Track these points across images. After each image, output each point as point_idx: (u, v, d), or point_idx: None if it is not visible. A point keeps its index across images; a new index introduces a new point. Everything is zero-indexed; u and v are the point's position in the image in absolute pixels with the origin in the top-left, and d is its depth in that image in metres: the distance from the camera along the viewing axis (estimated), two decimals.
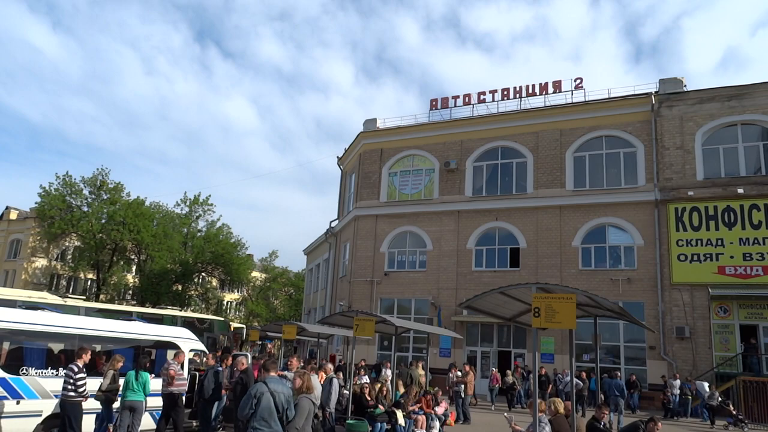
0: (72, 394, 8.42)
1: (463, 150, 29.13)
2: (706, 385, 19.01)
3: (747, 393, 19.02)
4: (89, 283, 48.47)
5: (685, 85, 25.52)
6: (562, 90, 28.10)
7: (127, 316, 18.18)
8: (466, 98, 30.04)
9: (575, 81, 27.90)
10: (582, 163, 26.47)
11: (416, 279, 28.34)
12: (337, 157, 35.95)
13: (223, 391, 10.74)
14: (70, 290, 47.64)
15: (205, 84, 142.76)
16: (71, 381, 8.42)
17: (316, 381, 9.65)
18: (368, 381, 14.68)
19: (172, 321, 21.52)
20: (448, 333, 19.81)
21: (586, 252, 25.14)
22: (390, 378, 16.50)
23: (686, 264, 22.86)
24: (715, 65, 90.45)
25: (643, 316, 22.80)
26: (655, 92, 25.44)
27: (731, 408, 17.52)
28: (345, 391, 12.47)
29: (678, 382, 20.26)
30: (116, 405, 9.52)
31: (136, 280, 47.21)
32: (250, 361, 15.03)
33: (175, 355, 11.11)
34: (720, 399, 18.66)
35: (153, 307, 34.25)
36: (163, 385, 10.16)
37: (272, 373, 6.67)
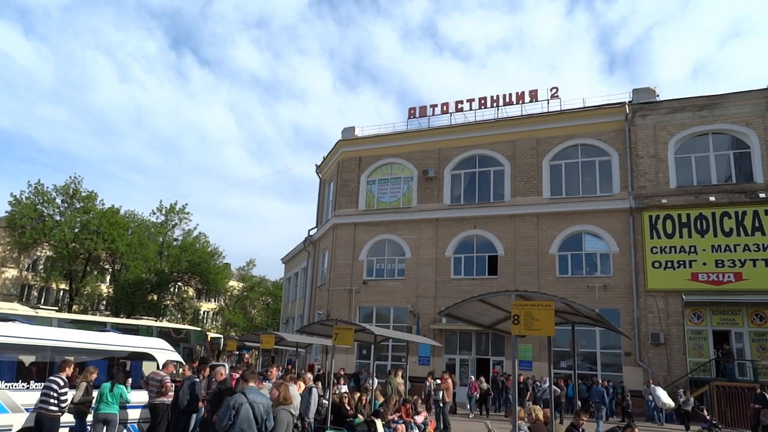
0: (53, 408, 8.25)
1: (441, 158, 29.33)
2: (659, 390, 19.48)
3: (720, 398, 19.38)
4: (61, 293, 47.43)
5: (657, 95, 26.09)
6: (539, 99, 28.50)
7: (101, 327, 17.85)
8: (444, 107, 30.29)
9: (551, 90, 28.34)
10: (558, 172, 26.85)
11: (395, 287, 28.36)
12: (316, 165, 35.91)
13: (201, 403, 10.60)
14: (42, 301, 46.57)
15: (181, 91, 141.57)
16: (54, 395, 8.24)
17: (295, 391, 9.58)
18: (347, 390, 14.61)
19: (148, 331, 21.18)
20: (427, 341, 19.81)
21: (563, 259, 25.46)
22: (375, 386, 16.45)
23: (660, 271, 23.29)
24: (686, 75, 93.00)
25: (619, 322, 23.14)
26: (629, 102, 25.96)
27: (705, 413, 17.83)
28: (324, 401, 12.39)
29: (654, 388, 20.57)
30: (90, 418, 9.33)
31: (110, 290, 46.36)
32: (227, 372, 14.84)
33: (163, 366, 10.95)
34: (694, 404, 19.01)
35: (128, 317, 33.65)
36: (151, 397, 10.04)
37: (251, 384, 6.61)
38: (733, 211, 22.78)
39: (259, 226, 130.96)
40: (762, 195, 22.40)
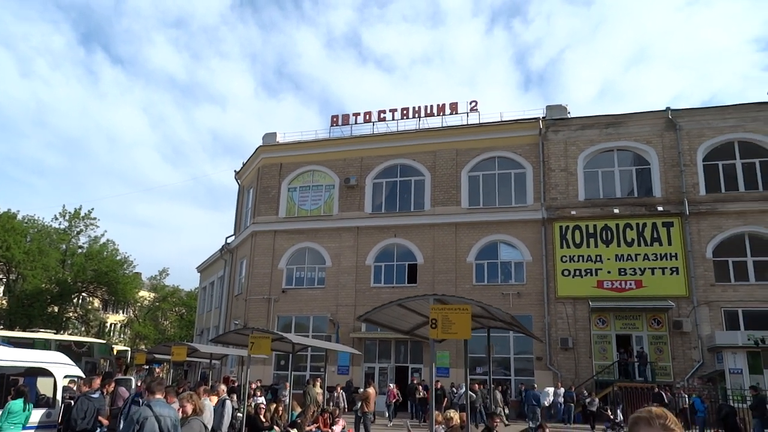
0: None
1: (363, 167, 29.50)
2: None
3: (623, 398, 20.68)
4: None
5: (569, 112, 27.63)
6: (458, 112, 29.34)
7: None
8: (367, 116, 30.53)
9: (470, 104, 29.27)
10: (476, 182, 27.75)
11: (315, 296, 28.12)
12: (235, 171, 35.03)
13: (105, 421, 9.96)
14: None
15: (90, 90, 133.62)
16: None
17: (208, 403, 9.23)
18: (264, 402, 14.27)
19: (45, 345, 19.69)
20: (346, 349, 19.79)
21: (480, 267, 26.28)
22: (290, 396, 16.16)
23: (569, 279, 24.60)
24: (594, 96, 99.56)
25: (532, 328, 24.14)
26: (543, 117, 27.30)
27: (609, 413, 18.93)
28: (239, 414, 12.03)
29: (562, 390, 21.63)
30: None
31: (4, 301, 42.76)
32: (134, 387, 14.08)
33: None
34: (599, 405, 20.15)
35: (23, 330, 31.14)
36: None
37: (158, 396, 6.30)
38: (635, 223, 24.48)
39: (173, 233, 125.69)
40: (660, 208, 24.24)
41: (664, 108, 25.81)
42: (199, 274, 42.89)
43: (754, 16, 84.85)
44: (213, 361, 23.21)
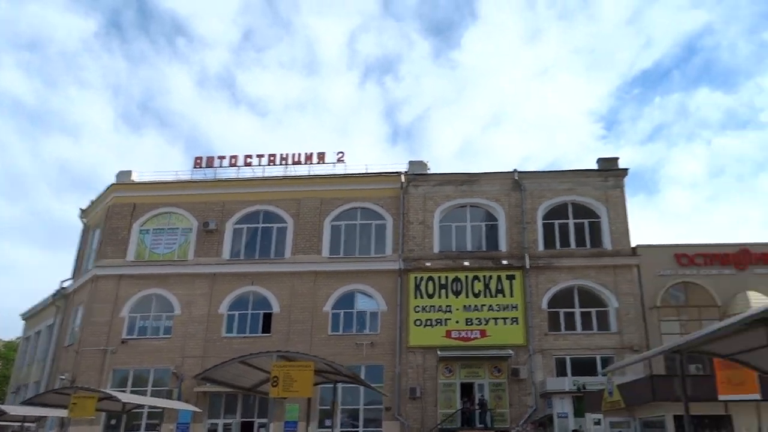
0: None
1: (224, 211, 28.72)
2: None
3: None
4: None
5: (428, 168, 29.10)
6: (326, 161, 29.76)
7: None
8: (233, 159, 30.01)
9: (338, 154, 29.83)
10: (338, 232, 28.01)
11: (159, 347, 26.24)
12: (81, 209, 32.45)
13: None
14: None
15: None
16: None
17: None
18: None
19: None
20: (185, 407, 18.47)
21: (336, 317, 26.17)
22: None
23: (421, 328, 25.20)
24: (456, 152, 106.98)
25: (383, 378, 24.25)
26: (405, 172, 28.49)
27: None
28: None
29: None
30: None
31: None
32: None
33: None
34: None
35: None
36: None
37: None
38: (482, 275, 25.87)
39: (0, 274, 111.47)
40: (504, 262, 25.89)
41: (512, 169, 28.00)
42: (24, 321, 38.17)
43: (591, 91, 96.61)
44: (26, 424, 20.55)
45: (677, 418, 14.37)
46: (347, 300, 26.56)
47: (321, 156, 29.92)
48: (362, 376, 24.40)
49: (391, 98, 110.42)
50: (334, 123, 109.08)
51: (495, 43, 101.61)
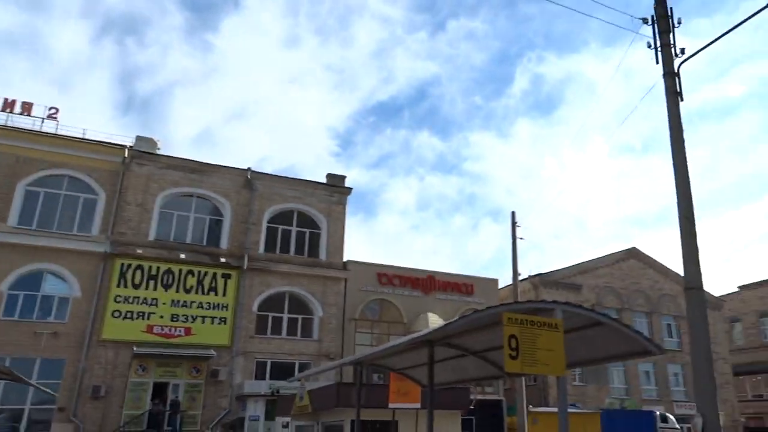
0: None
1: None
2: None
3: None
4: None
5: (159, 148, 27.14)
6: (32, 114, 25.65)
7: None
8: None
9: (50, 109, 25.92)
10: (34, 199, 24.14)
11: None
12: None
13: None
14: None
15: None
16: None
17: None
18: None
19: None
20: None
21: (13, 299, 22.44)
22: None
23: (119, 321, 23.26)
24: (193, 139, 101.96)
25: (63, 374, 21.67)
26: (130, 147, 26.03)
27: None
28: None
29: None
30: None
31: None
32: None
33: None
34: None
35: None
36: None
37: None
38: (197, 270, 25.15)
39: None
40: (223, 260, 25.62)
41: (246, 168, 27.92)
42: None
43: (334, 108, 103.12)
44: None
45: (354, 423, 15.93)
46: (32, 281, 23.02)
47: (27, 106, 25.77)
48: (36, 371, 21.48)
49: (130, 63, 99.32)
50: (55, 75, 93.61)
51: (253, 37, 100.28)
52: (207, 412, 23.15)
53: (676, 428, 27.21)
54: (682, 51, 10.51)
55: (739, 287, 50.24)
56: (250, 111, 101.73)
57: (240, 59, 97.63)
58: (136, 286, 24.05)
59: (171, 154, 27.39)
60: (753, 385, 41.77)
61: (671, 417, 27.44)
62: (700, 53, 10.36)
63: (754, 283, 49.61)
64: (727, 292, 48.40)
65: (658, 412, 25.75)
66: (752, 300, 46.40)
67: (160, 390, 22.88)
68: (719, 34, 10.03)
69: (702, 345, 9.25)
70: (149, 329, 23.54)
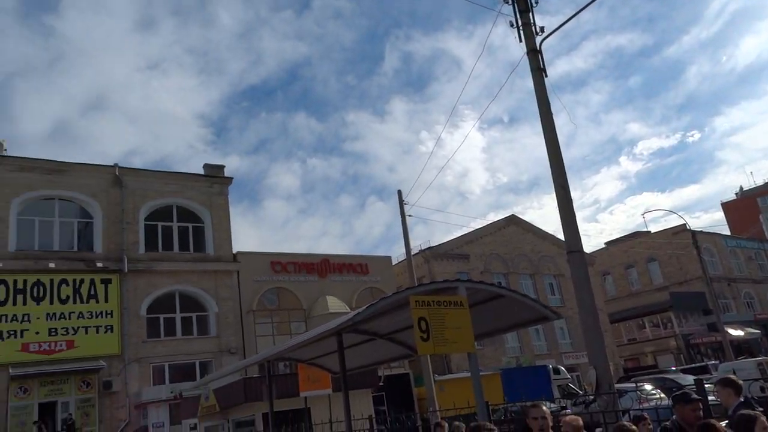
0: None
1: None
2: None
3: None
4: None
5: (5, 149, 25.86)
6: None
7: None
8: None
9: None
10: None
11: None
12: None
13: None
14: None
15: None
16: None
17: None
18: None
19: None
20: None
21: None
22: None
23: None
24: (47, 135, 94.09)
25: None
26: None
27: None
28: None
29: None
30: None
31: None
32: None
33: None
34: None
35: None
36: None
37: None
38: (72, 279, 24.51)
39: None
40: (99, 264, 25.18)
41: (112, 164, 27.46)
42: None
43: (203, 94, 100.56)
44: None
45: (266, 416, 16.58)
46: None
47: None
48: None
49: None
50: None
51: (100, 19, 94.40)
52: (105, 426, 22.91)
53: (567, 378, 31.51)
54: (542, 29, 11.77)
55: (606, 243, 57.68)
56: (108, 101, 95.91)
57: (87, 44, 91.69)
58: (2, 304, 23.02)
59: (21, 155, 26.21)
60: (627, 330, 48.41)
61: (562, 368, 31.64)
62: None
63: (618, 239, 57.28)
64: (597, 249, 55.58)
65: (550, 366, 29.59)
66: (618, 254, 53.63)
67: (47, 410, 22.26)
68: (573, 12, 11.91)
69: (587, 303, 10.57)
70: (25, 348, 22.70)
